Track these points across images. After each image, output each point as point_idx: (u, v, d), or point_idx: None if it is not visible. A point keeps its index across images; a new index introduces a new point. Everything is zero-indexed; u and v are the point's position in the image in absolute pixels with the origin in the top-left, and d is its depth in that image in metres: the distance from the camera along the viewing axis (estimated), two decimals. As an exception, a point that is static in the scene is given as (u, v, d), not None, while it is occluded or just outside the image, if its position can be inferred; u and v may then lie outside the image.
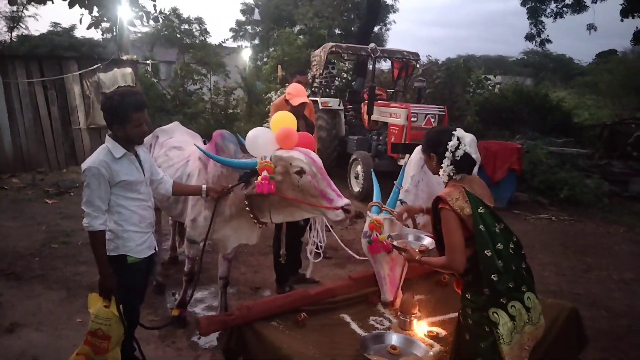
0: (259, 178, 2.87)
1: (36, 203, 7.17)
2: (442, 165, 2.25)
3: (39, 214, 6.56)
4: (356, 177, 8.15)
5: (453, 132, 2.26)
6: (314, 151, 3.14)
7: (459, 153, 2.23)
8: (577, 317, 3.04)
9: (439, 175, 2.29)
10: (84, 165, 2.55)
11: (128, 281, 2.68)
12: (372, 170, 4.70)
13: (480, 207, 2.15)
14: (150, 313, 3.92)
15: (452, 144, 2.22)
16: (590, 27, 13.18)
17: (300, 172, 2.87)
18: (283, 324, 2.69)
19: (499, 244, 2.10)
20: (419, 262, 2.37)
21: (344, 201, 2.84)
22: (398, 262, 3.06)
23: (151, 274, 3.30)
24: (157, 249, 2.95)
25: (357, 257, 4.66)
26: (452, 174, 2.23)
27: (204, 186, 3.12)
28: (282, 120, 3.16)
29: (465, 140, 2.23)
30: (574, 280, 5.16)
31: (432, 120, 7.96)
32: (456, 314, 2.87)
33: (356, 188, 8.13)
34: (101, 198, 2.53)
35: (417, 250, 2.43)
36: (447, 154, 2.23)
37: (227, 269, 3.76)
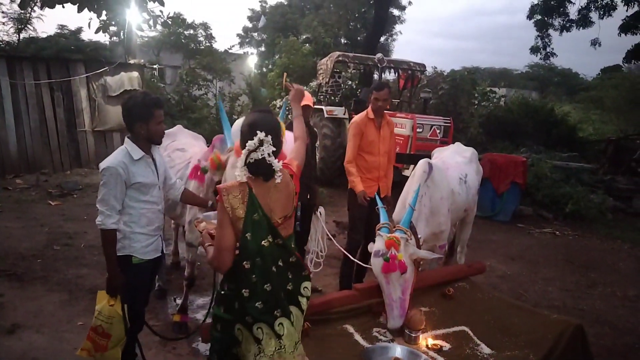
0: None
1: (39, 204, 7.15)
2: (237, 163, 1.97)
3: (42, 215, 6.54)
4: (359, 187, 8.10)
5: (258, 130, 1.93)
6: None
7: (255, 156, 1.92)
8: (583, 333, 3.00)
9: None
10: (102, 165, 2.59)
11: (131, 281, 2.70)
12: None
13: (256, 214, 1.92)
14: (152, 318, 3.89)
15: (252, 143, 1.92)
16: (595, 42, 13.21)
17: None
18: (286, 333, 2.66)
19: (258, 258, 1.93)
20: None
21: None
22: (411, 284, 2.84)
23: (158, 276, 3.29)
24: (164, 252, 2.95)
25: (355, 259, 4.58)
26: (243, 176, 1.96)
27: (210, 202, 3.05)
28: None
29: (267, 144, 1.92)
30: (578, 295, 5.12)
31: (438, 131, 7.96)
32: (462, 328, 2.87)
33: (359, 198, 8.08)
34: (116, 198, 2.57)
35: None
36: (244, 151, 1.93)
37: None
